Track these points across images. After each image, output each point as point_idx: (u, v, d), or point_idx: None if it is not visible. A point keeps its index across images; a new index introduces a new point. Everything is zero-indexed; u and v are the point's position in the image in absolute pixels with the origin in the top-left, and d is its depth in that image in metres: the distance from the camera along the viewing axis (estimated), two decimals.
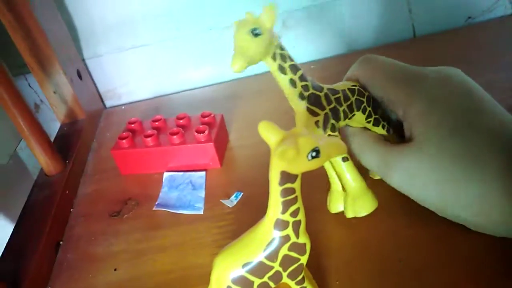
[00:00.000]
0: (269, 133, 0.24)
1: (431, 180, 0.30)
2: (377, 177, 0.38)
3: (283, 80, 0.31)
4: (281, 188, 0.24)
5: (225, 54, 0.58)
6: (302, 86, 0.31)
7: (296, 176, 0.24)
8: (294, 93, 0.31)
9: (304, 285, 0.28)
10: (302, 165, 0.23)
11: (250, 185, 0.41)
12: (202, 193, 0.42)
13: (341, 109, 0.33)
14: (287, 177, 0.24)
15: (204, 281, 0.33)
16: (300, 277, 0.28)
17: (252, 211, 0.38)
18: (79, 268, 0.38)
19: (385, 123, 0.36)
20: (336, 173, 0.35)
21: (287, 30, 0.56)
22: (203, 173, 0.44)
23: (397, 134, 0.36)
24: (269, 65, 0.31)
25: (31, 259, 0.36)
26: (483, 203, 0.29)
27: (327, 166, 0.35)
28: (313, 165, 0.24)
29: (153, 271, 0.36)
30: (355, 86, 0.34)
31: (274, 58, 0.30)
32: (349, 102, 0.33)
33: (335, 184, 0.36)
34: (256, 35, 0.28)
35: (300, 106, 0.32)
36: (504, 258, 0.30)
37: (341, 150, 0.24)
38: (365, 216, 0.35)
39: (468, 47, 0.55)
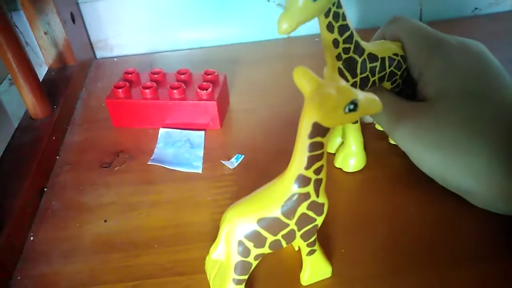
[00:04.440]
0: (305, 80, 0.22)
1: (434, 141, 0.30)
2: (393, 142, 0.38)
3: (327, 39, 0.30)
4: (310, 141, 0.23)
5: (228, 15, 0.56)
6: (343, 48, 0.30)
7: (327, 130, 0.23)
8: (333, 53, 0.30)
9: (315, 248, 0.27)
10: (337, 117, 0.22)
11: (251, 149, 0.40)
12: (200, 152, 0.40)
13: (372, 79, 0.32)
14: (318, 129, 0.23)
15: (202, 239, 0.32)
16: (313, 239, 0.27)
17: (254, 175, 0.37)
18: (64, 217, 0.35)
19: (401, 89, 0.35)
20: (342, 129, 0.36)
21: None
22: (202, 132, 0.42)
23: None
24: (319, 21, 0.29)
25: (14, 201, 0.34)
26: (482, 173, 0.29)
27: None
28: (347, 119, 0.22)
29: (146, 226, 0.34)
30: (397, 56, 0.33)
31: (327, 15, 0.28)
32: (382, 74, 0.33)
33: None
34: None
35: (334, 66, 0.31)
36: (510, 237, 0.30)
37: (378, 108, 0.23)
38: (375, 191, 0.35)
39: (471, 37, 0.55)
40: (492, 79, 0.31)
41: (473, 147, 0.29)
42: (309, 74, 0.22)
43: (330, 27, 0.29)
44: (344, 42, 0.30)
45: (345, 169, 0.36)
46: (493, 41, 0.43)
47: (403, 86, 0.35)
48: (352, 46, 0.30)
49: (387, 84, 0.34)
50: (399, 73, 0.34)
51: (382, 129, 0.39)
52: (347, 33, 0.30)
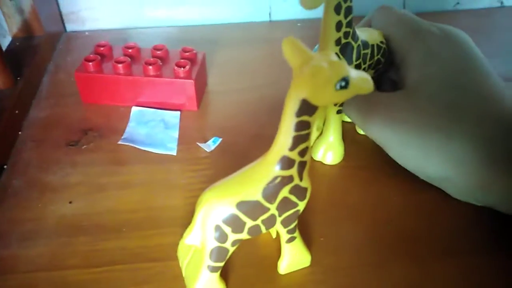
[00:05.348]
0: (294, 52, 0.21)
1: (412, 130, 0.30)
2: (362, 132, 0.37)
3: (332, 21, 0.28)
4: (296, 120, 0.21)
5: None
6: (344, 32, 0.29)
7: (315, 108, 0.21)
8: (332, 37, 0.29)
9: (295, 235, 0.26)
10: (327, 94, 0.21)
11: (229, 132, 0.38)
12: (175, 133, 0.38)
13: (363, 66, 0.32)
14: (306, 107, 0.21)
15: (174, 224, 0.31)
16: (293, 225, 0.25)
17: (231, 158, 0.36)
18: (26, 197, 0.33)
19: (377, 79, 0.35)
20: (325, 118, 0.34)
21: None
22: (178, 112, 0.40)
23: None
24: (326, 2, 0.28)
25: None
26: (462, 162, 0.29)
27: None
28: (337, 97, 0.21)
29: (115, 208, 0.32)
30: (383, 44, 0.33)
31: None
32: (371, 62, 0.33)
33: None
34: None
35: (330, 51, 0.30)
36: (491, 230, 0.30)
37: (370, 87, 0.22)
38: (356, 181, 0.34)
39: None
40: (474, 68, 0.31)
41: (453, 135, 0.29)
42: (300, 46, 0.21)
43: (338, 8, 0.28)
44: (347, 25, 0.29)
45: (324, 162, 0.35)
46: (472, 36, 0.44)
47: (382, 77, 0.35)
48: (351, 31, 0.30)
49: (370, 72, 0.34)
50: (383, 60, 0.34)
51: (349, 121, 0.38)
52: (350, 16, 0.29)
